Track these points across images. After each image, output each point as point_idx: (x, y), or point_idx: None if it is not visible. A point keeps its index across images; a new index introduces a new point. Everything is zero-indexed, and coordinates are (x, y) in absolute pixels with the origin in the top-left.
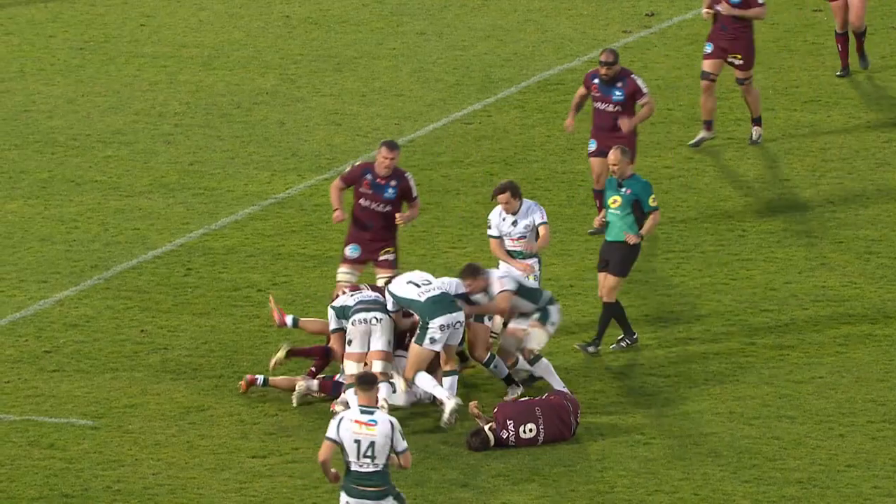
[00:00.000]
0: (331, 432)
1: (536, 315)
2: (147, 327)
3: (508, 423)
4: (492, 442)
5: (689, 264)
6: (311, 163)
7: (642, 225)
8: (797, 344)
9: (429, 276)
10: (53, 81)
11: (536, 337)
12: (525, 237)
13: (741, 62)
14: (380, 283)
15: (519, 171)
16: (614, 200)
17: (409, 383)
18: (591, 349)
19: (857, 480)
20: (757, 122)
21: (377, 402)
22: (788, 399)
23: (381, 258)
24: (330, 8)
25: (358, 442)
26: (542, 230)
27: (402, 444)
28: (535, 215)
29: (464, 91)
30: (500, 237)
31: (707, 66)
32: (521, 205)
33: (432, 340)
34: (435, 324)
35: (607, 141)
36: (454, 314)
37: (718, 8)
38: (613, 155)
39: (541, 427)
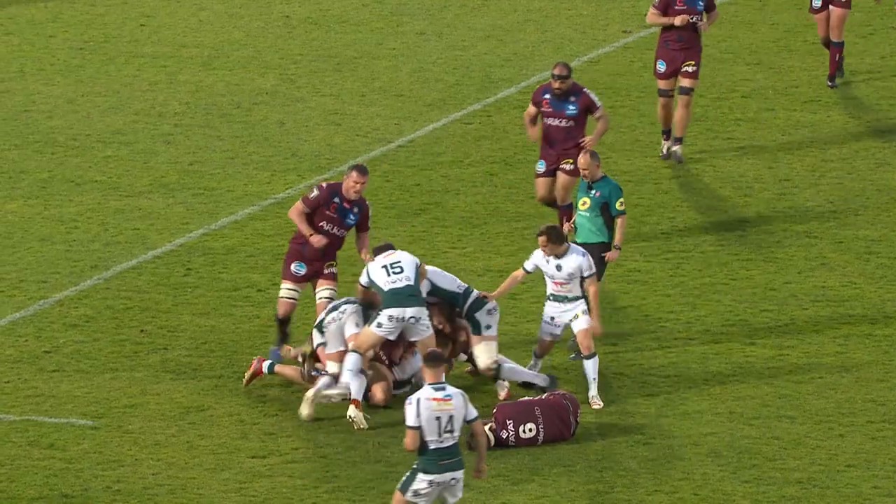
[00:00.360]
0: (412, 420)
1: (470, 328)
2: (147, 327)
3: (508, 423)
4: (492, 442)
5: (689, 264)
6: (310, 163)
7: (610, 226)
8: (797, 344)
9: (406, 263)
10: (53, 81)
11: (483, 352)
12: (569, 283)
13: (694, 69)
14: (324, 293)
15: (519, 172)
16: (583, 202)
17: (351, 351)
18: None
19: (857, 480)
20: (680, 140)
21: (444, 377)
22: (788, 399)
23: (326, 271)
24: (330, 8)
25: (439, 419)
26: (588, 284)
27: (473, 413)
28: (582, 265)
29: (463, 91)
30: (526, 271)
31: (664, 84)
32: (566, 249)
33: (379, 325)
34: (385, 312)
35: (559, 157)
36: (406, 309)
37: (693, 19)
38: (583, 159)
39: (540, 427)
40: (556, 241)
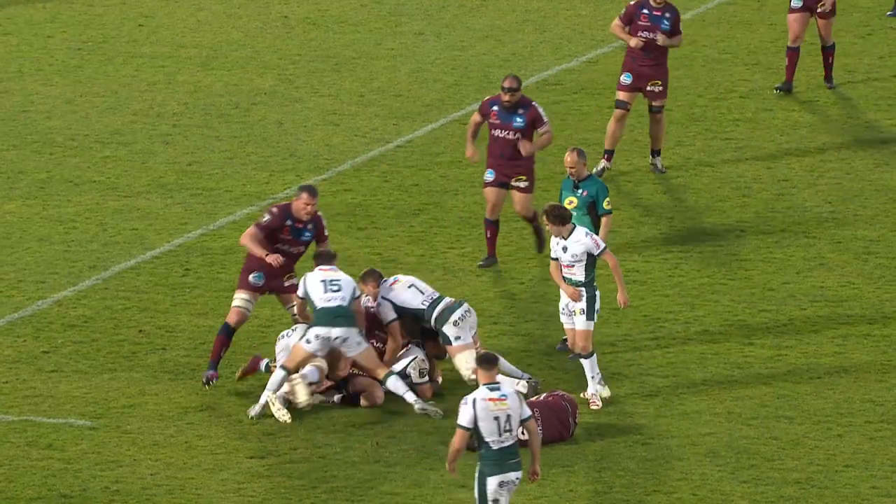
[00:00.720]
0: (465, 420)
1: (441, 339)
2: (145, 327)
3: None
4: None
5: (687, 264)
6: (309, 163)
7: (598, 225)
8: (795, 344)
9: (345, 283)
10: (52, 82)
11: (461, 363)
12: (573, 266)
13: (661, 89)
14: (294, 309)
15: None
16: (570, 201)
17: (289, 372)
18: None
19: (855, 481)
20: (658, 153)
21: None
22: (786, 399)
23: (287, 283)
24: (328, 8)
25: (497, 418)
26: (606, 257)
27: (527, 412)
28: (587, 246)
29: (462, 91)
30: (556, 259)
31: (625, 96)
32: (571, 230)
33: (307, 342)
34: (313, 330)
35: (506, 170)
36: (332, 329)
37: (655, 37)
38: (570, 156)
39: (539, 428)
40: (556, 221)
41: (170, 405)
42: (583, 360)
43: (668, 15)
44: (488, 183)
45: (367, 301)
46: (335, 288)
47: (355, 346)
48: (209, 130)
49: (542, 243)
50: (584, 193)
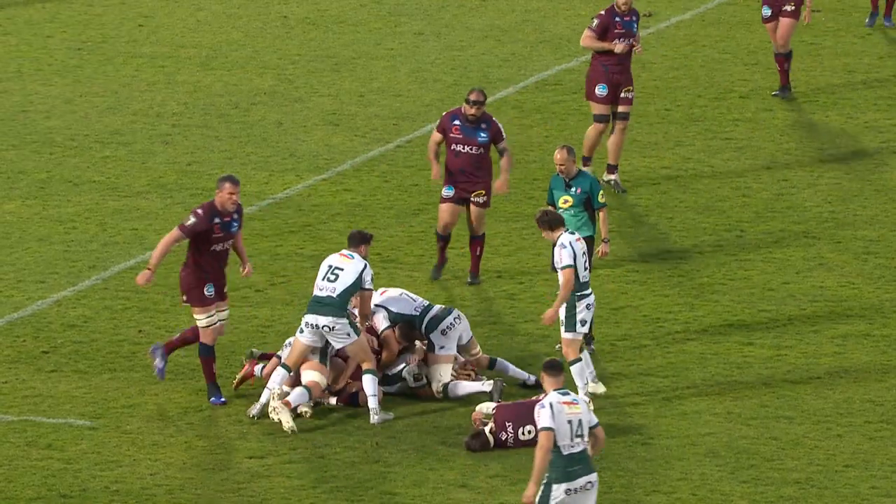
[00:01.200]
0: (547, 421)
1: (427, 346)
2: (145, 327)
3: (507, 425)
4: (492, 444)
5: (687, 264)
6: (308, 163)
7: (595, 219)
8: (795, 344)
9: (347, 272)
10: (51, 82)
11: (434, 374)
12: (557, 272)
13: (632, 94)
14: (224, 314)
15: (517, 172)
16: (565, 201)
17: (289, 370)
18: (591, 346)
19: (855, 481)
20: (616, 168)
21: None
22: (786, 399)
23: (224, 290)
24: (328, 8)
25: (570, 422)
26: (560, 275)
27: (594, 419)
28: (563, 255)
29: (462, 91)
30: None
31: (604, 108)
32: (558, 237)
33: (301, 331)
34: (304, 319)
35: (467, 186)
36: (319, 317)
37: (632, 42)
38: (560, 154)
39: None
40: (544, 227)
41: (169, 405)
42: (571, 368)
43: (634, 18)
44: (447, 199)
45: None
46: (333, 277)
47: (345, 336)
48: (209, 130)
49: (474, 277)
50: (578, 191)
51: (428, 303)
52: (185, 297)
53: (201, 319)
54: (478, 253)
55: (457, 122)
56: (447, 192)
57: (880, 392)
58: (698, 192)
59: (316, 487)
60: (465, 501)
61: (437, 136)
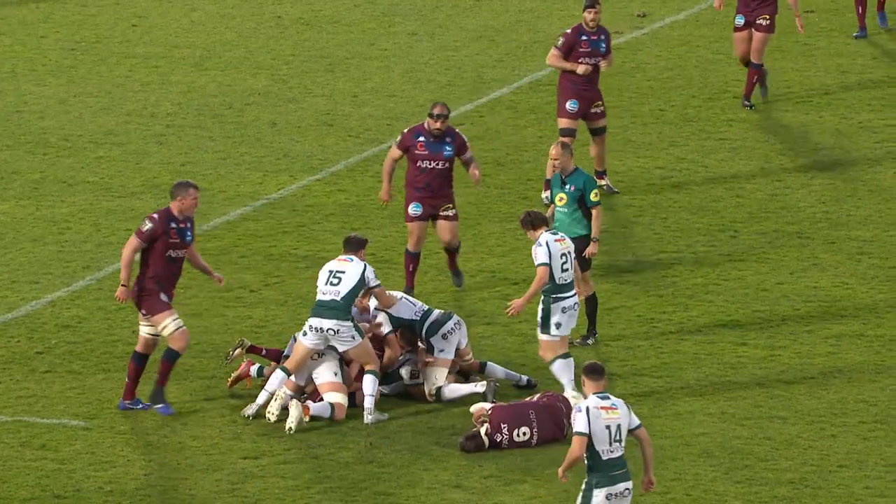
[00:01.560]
0: (582, 427)
1: (426, 348)
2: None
3: (503, 426)
4: (486, 445)
5: (681, 265)
6: (302, 163)
7: (590, 218)
8: (789, 344)
9: (349, 275)
10: (45, 82)
11: (429, 377)
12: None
13: (602, 108)
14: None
15: (511, 172)
16: (560, 198)
17: (288, 373)
18: (589, 341)
19: (849, 481)
20: (605, 172)
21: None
22: (780, 399)
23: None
24: (321, 8)
25: (608, 427)
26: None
27: (636, 421)
28: (537, 253)
29: (455, 92)
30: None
31: (572, 123)
32: (539, 236)
33: (304, 334)
34: (308, 323)
35: (434, 202)
36: (324, 320)
37: (598, 62)
38: (555, 150)
39: (534, 430)
40: (526, 227)
41: None
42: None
43: (602, 37)
44: (416, 217)
45: (354, 312)
46: (335, 281)
47: (349, 339)
48: (203, 131)
49: (459, 278)
50: (572, 188)
51: (428, 307)
52: (144, 311)
53: (168, 325)
54: (455, 259)
55: (421, 139)
56: (415, 210)
57: (874, 392)
58: (692, 193)
59: (310, 488)
60: (460, 502)
61: (396, 153)
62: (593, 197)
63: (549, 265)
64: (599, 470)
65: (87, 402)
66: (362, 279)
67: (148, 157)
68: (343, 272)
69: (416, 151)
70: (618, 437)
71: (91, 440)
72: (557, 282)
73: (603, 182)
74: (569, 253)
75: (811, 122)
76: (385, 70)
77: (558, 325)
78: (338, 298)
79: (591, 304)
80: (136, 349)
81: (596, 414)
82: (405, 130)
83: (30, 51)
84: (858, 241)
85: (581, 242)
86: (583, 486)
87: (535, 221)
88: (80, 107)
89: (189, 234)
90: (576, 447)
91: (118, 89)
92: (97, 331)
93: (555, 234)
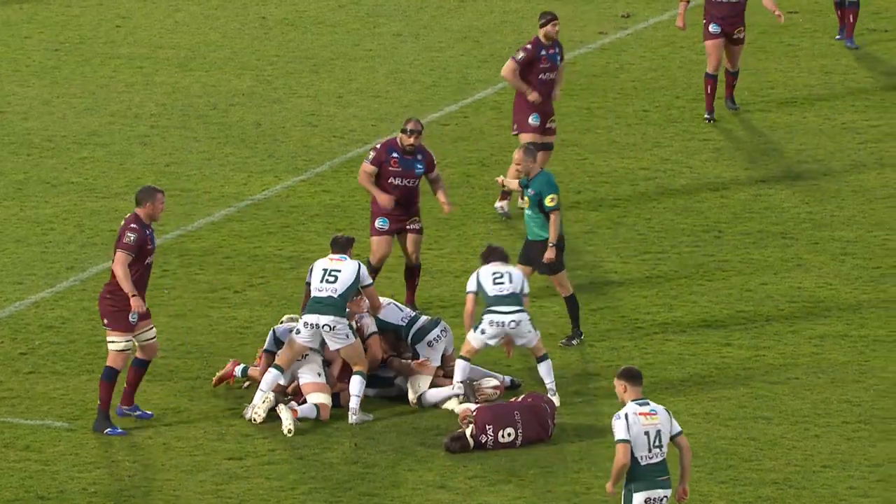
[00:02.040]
0: (622, 433)
1: (412, 354)
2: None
3: (487, 427)
4: (472, 446)
5: (665, 265)
6: (287, 164)
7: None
8: (773, 345)
9: (345, 273)
10: (29, 83)
11: (412, 384)
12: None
13: (555, 123)
14: (152, 332)
15: (495, 173)
16: (525, 201)
17: (282, 370)
18: (574, 342)
19: (833, 481)
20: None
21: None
22: (764, 400)
23: (148, 309)
24: (306, 9)
25: (647, 433)
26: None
27: (677, 427)
28: (468, 282)
29: (440, 92)
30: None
31: (537, 137)
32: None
33: (297, 332)
34: (303, 319)
35: (402, 217)
36: (321, 316)
37: (555, 92)
38: (518, 154)
39: (519, 431)
40: (481, 261)
41: (147, 406)
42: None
43: (558, 50)
44: (383, 231)
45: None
46: (331, 279)
47: (344, 337)
48: (187, 131)
49: (413, 293)
50: (532, 192)
51: (415, 313)
52: (105, 321)
53: (118, 343)
54: (416, 283)
55: (395, 155)
56: (382, 224)
57: (857, 392)
58: (676, 193)
59: (295, 488)
60: (444, 502)
61: (371, 168)
62: (549, 202)
63: (476, 292)
64: (638, 475)
65: (70, 402)
66: (358, 277)
67: (132, 158)
68: (339, 270)
69: (390, 167)
70: (657, 443)
71: (75, 441)
72: (488, 304)
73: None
74: (499, 277)
75: (795, 122)
76: (370, 71)
77: (483, 332)
78: (335, 296)
79: (571, 304)
80: (136, 355)
81: (635, 420)
82: (378, 146)
83: (13, 51)
84: (842, 241)
85: (544, 245)
86: (623, 492)
87: (482, 256)
88: (64, 107)
89: (154, 238)
90: (620, 455)
91: (102, 90)
92: (81, 332)
93: (491, 266)
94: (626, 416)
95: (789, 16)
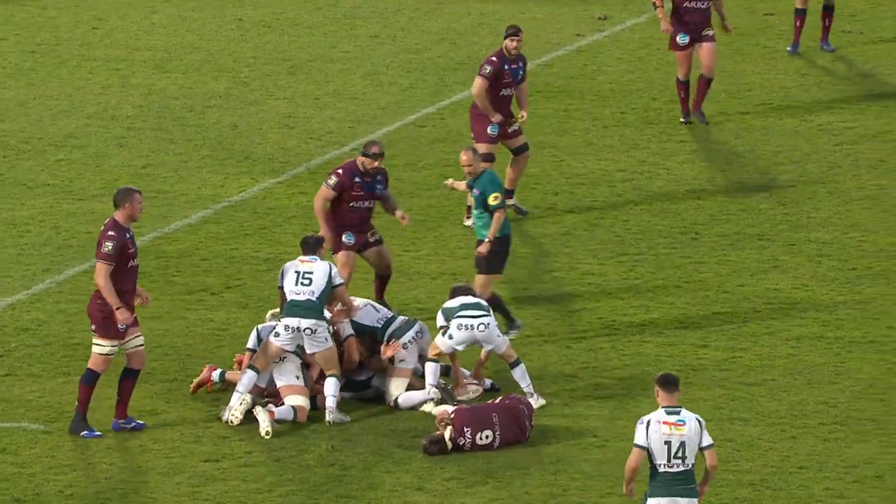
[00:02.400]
0: (640, 439)
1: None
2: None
3: (466, 430)
4: (449, 449)
5: (643, 267)
6: (264, 166)
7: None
8: (749, 346)
9: (318, 275)
10: (5, 84)
11: (390, 387)
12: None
13: (518, 126)
14: (140, 340)
15: None
16: (471, 201)
17: (258, 371)
18: (513, 333)
19: (809, 482)
20: (513, 193)
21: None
22: (741, 401)
23: (136, 316)
24: (283, 11)
25: (668, 443)
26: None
27: (707, 440)
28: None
29: (417, 94)
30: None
31: (493, 148)
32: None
33: (276, 335)
34: (282, 322)
35: (364, 232)
36: (302, 320)
37: (522, 113)
38: (465, 155)
39: (497, 433)
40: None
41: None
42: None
43: (521, 64)
44: (349, 246)
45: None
46: (306, 281)
47: (322, 341)
48: (163, 133)
49: (381, 294)
50: (477, 192)
51: (392, 314)
52: (94, 327)
53: (103, 348)
54: (384, 289)
55: (357, 180)
56: (348, 239)
57: (834, 394)
58: (653, 195)
59: (272, 490)
60: None
61: (331, 194)
62: (492, 200)
63: (445, 336)
64: (655, 481)
65: (47, 405)
66: (330, 278)
67: (108, 160)
68: (311, 272)
69: (353, 192)
70: (679, 454)
71: (51, 444)
72: (458, 308)
73: (514, 201)
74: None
75: (771, 124)
76: (347, 73)
77: (451, 337)
78: (313, 298)
79: (493, 302)
80: (125, 366)
81: (656, 428)
82: (339, 171)
83: None
84: (818, 243)
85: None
86: (643, 496)
87: (451, 292)
88: (40, 109)
89: (135, 241)
90: (631, 459)
91: (78, 92)
92: (57, 334)
93: (457, 302)
94: (649, 422)
95: (766, 18)
